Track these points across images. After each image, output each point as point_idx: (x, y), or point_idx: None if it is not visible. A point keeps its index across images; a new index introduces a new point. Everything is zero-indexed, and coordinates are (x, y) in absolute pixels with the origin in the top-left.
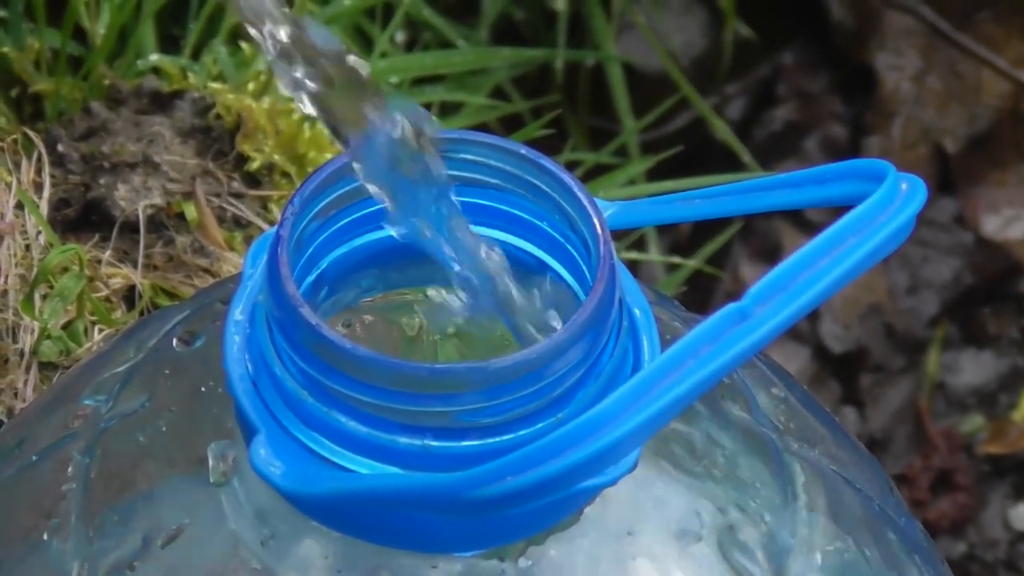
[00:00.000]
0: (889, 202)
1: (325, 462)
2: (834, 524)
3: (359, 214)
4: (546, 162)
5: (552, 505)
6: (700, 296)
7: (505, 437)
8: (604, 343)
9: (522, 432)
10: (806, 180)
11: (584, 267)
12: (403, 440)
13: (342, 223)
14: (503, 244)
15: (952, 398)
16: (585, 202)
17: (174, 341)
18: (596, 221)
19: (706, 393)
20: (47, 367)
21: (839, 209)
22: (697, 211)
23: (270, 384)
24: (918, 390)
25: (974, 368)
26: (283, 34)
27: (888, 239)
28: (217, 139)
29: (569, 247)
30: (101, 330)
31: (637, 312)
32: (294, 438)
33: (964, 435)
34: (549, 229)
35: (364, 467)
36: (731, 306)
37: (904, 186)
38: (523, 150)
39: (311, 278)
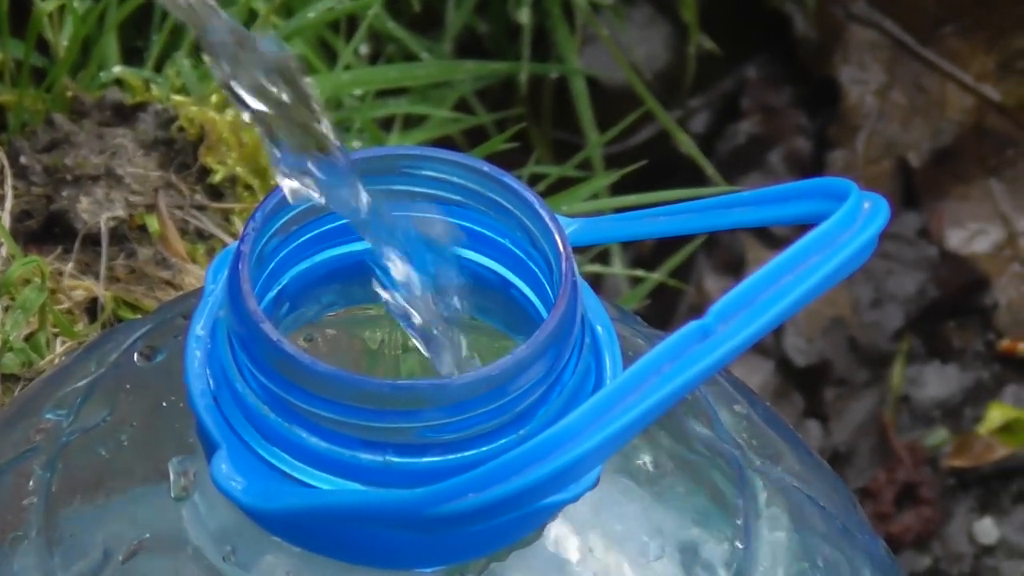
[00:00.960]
0: (852, 221)
1: (286, 477)
2: (797, 541)
3: (321, 230)
4: (508, 179)
5: (514, 522)
6: (664, 309)
7: (467, 453)
8: (566, 360)
9: (484, 449)
10: (769, 198)
11: (546, 284)
12: (364, 456)
13: (304, 239)
14: (464, 261)
15: (916, 412)
16: (547, 219)
17: (135, 356)
18: (558, 238)
19: (668, 410)
20: (9, 379)
21: (805, 224)
22: (659, 228)
23: (231, 399)
24: (882, 404)
25: (938, 382)
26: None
27: (851, 257)
28: (180, 151)
29: (531, 264)
30: (64, 342)
31: (599, 329)
32: (255, 453)
33: (928, 448)
34: (511, 246)
35: (325, 483)
36: (693, 324)
37: (867, 205)
38: (485, 167)
39: (272, 293)
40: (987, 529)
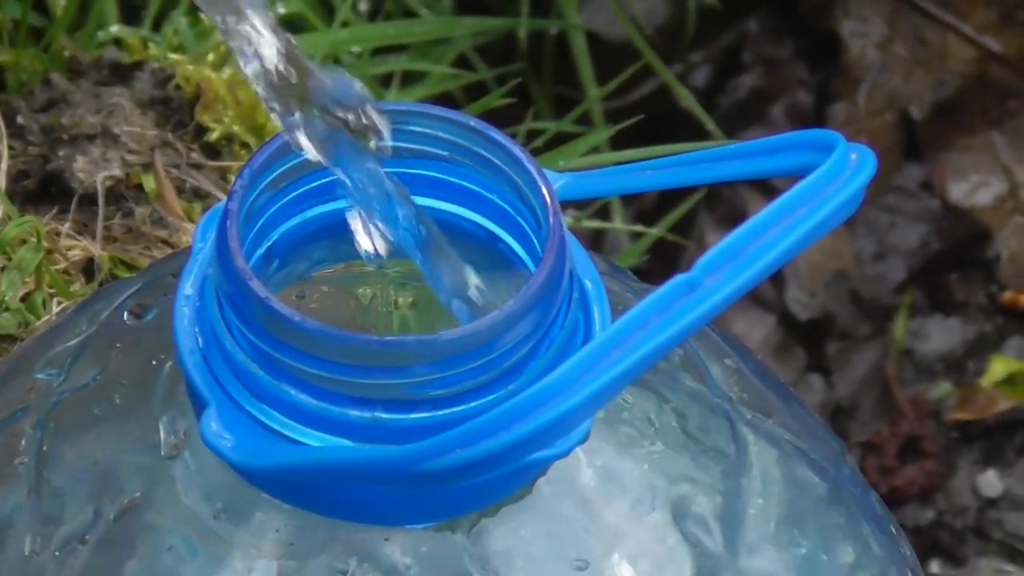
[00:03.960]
0: (839, 172)
1: (276, 435)
2: (788, 494)
3: (310, 186)
4: (495, 134)
5: (504, 477)
6: (664, 265)
7: (456, 409)
8: (554, 315)
9: (473, 404)
10: (758, 150)
11: (534, 239)
12: (353, 412)
13: (293, 195)
14: (453, 216)
15: (920, 365)
16: (534, 173)
17: (126, 314)
18: (546, 192)
19: (658, 364)
20: (5, 339)
21: (798, 176)
22: (649, 182)
23: (220, 357)
24: (885, 357)
25: (941, 334)
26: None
27: (838, 209)
28: (177, 110)
29: (519, 219)
30: (60, 303)
31: (588, 283)
32: (244, 411)
33: (932, 402)
34: (499, 201)
35: (314, 440)
36: (680, 277)
37: (854, 156)
38: (472, 122)
39: (261, 250)
40: (991, 482)
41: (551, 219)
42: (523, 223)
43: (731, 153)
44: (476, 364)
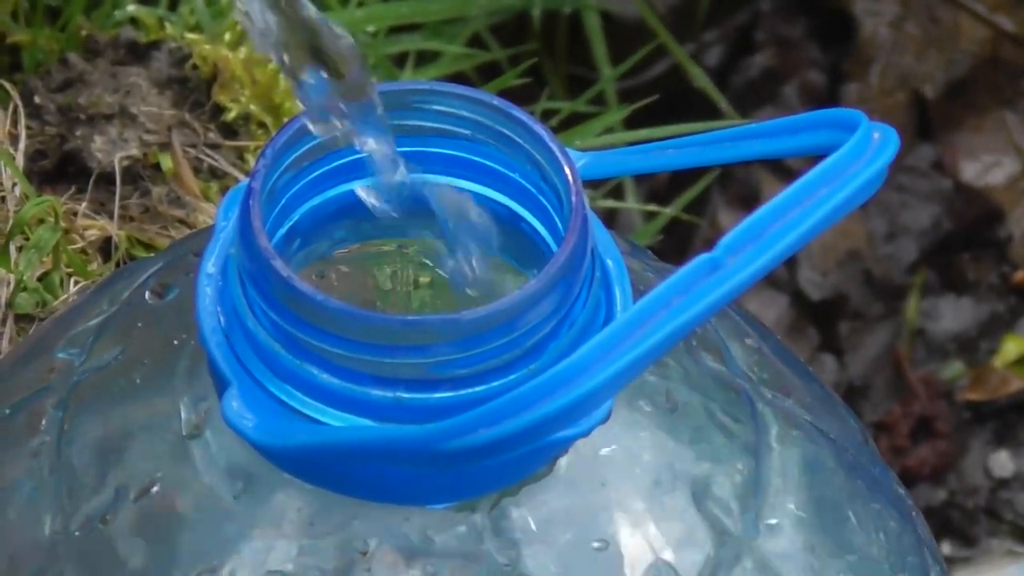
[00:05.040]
0: (862, 151)
1: (297, 415)
2: (808, 474)
3: (332, 165)
4: (517, 112)
5: (525, 456)
6: (678, 244)
7: (478, 388)
8: (576, 294)
9: (495, 383)
10: (779, 130)
11: (556, 217)
12: (375, 392)
13: (315, 174)
14: (475, 195)
15: (932, 345)
16: (557, 152)
17: (147, 294)
18: (568, 171)
19: (679, 343)
20: (23, 319)
21: (818, 157)
22: (669, 161)
23: (242, 337)
24: (897, 337)
25: (954, 314)
26: None
27: (861, 188)
28: (194, 90)
29: (541, 197)
30: (77, 282)
31: (609, 263)
32: (266, 391)
33: (944, 382)
34: (521, 179)
35: (336, 419)
36: (703, 256)
37: (876, 135)
38: (495, 100)
39: (283, 230)
40: (1003, 462)
41: (573, 198)
42: (545, 202)
43: (752, 132)
44: (498, 343)
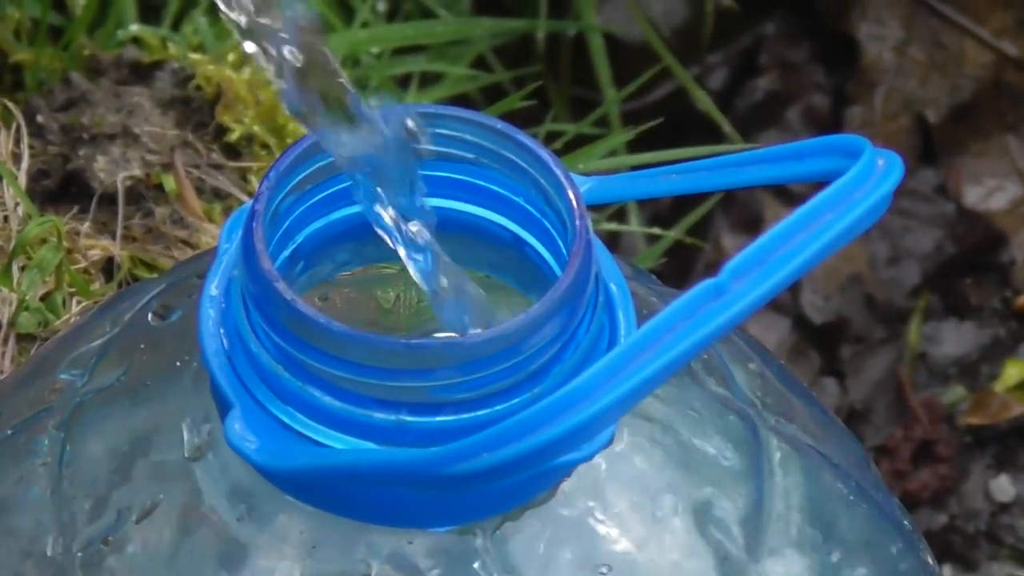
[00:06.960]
0: (866, 178)
1: (300, 437)
2: (810, 500)
3: (335, 188)
4: (522, 137)
5: (527, 481)
6: (681, 267)
7: (480, 412)
8: (580, 318)
9: (497, 407)
10: (784, 156)
11: (560, 242)
12: (378, 415)
13: (318, 197)
14: (479, 219)
15: (934, 369)
16: (561, 177)
17: (150, 315)
18: (572, 196)
19: (682, 368)
20: (25, 339)
21: (820, 182)
22: (674, 186)
23: (245, 359)
24: (899, 361)
25: (956, 339)
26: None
27: (865, 215)
28: (197, 110)
29: (545, 222)
30: (79, 302)
31: (613, 287)
32: (269, 413)
33: (946, 406)
34: (525, 204)
35: (339, 442)
36: (707, 281)
37: (881, 162)
38: (499, 125)
39: (287, 252)
40: (1004, 486)
41: (577, 222)
42: (549, 226)
43: (756, 158)
44: (502, 367)
